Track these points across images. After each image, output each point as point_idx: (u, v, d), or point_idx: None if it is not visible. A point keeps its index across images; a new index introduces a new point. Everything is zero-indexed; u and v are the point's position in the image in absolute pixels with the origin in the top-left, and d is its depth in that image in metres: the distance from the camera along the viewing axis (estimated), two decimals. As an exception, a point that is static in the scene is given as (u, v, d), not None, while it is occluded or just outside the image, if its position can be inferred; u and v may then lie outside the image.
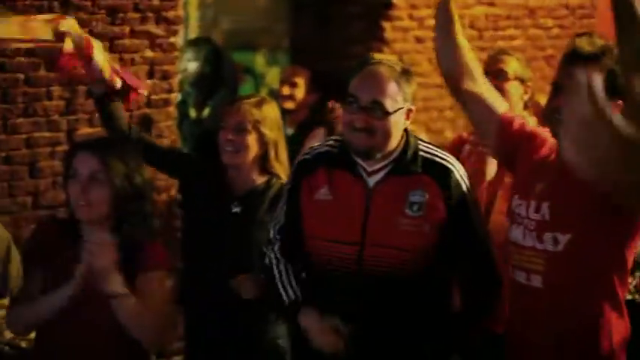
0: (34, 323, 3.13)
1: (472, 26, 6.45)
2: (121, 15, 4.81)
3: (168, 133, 5.00)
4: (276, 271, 3.26)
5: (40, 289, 3.10)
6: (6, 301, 3.80)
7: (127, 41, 4.83)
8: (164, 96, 4.97)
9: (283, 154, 3.90)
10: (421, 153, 3.14)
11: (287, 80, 5.70)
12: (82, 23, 4.62)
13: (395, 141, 3.10)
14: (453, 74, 3.26)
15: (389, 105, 3.04)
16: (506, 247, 3.17)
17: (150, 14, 4.88)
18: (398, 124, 3.08)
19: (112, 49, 4.77)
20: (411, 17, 6.10)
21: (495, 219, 3.91)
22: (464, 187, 3.16)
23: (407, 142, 3.13)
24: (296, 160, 3.30)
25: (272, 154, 3.84)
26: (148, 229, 3.13)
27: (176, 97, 5.05)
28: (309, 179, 3.18)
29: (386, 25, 6.00)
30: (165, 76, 4.95)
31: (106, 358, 3.12)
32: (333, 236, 3.12)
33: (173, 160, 4.04)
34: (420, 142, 3.18)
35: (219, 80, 6.28)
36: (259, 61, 6.97)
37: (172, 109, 5.03)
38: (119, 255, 2.99)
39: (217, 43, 6.65)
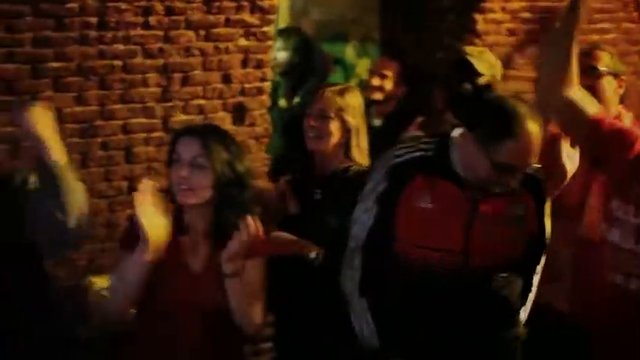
0: (125, 297, 3.13)
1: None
2: (216, 4, 4.84)
3: (261, 122, 5.04)
4: (353, 306, 3.31)
5: None
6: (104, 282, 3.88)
7: (221, 30, 4.87)
8: (257, 84, 5.00)
9: (364, 142, 3.94)
10: None
11: (377, 71, 5.69)
12: (179, 12, 4.72)
13: None
14: (552, 81, 3.21)
15: None
16: (601, 246, 3.15)
17: (245, 3, 4.91)
18: None
19: (207, 37, 4.84)
20: (503, 10, 6.02)
21: (589, 216, 3.87)
22: (546, 196, 3.19)
23: None
24: (387, 160, 3.30)
25: (354, 141, 3.88)
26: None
27: (269, 85, 5.07)
28: (407, 186, 3.18)
29: (478, 17, 5.93)
30: (259, 65, 4.98)
31: (206, 345, 3.17)
32: (433, 244, 3.15)
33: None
34: None
35: (309, 70, 6.30)
36: (349, 52, 7.00)
37: (266, 98, 5.06)
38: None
39: (307, 33, 6.67)
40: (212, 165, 3.08)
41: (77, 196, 3.01)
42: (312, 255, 3.76)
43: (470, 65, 4.19)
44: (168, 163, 3.18)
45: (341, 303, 3.41)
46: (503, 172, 3.03)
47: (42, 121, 3.00)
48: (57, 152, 3.02)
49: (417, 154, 3.24)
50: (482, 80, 4.18)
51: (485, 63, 4.25)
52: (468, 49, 4.34)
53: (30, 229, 3.07)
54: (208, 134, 3.16)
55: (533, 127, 3.01)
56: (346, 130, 3.85)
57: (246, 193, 3.14)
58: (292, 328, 4.06)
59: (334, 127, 3.84)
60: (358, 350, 3.43)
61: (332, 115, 3.83)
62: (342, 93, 3.87)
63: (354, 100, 3.89)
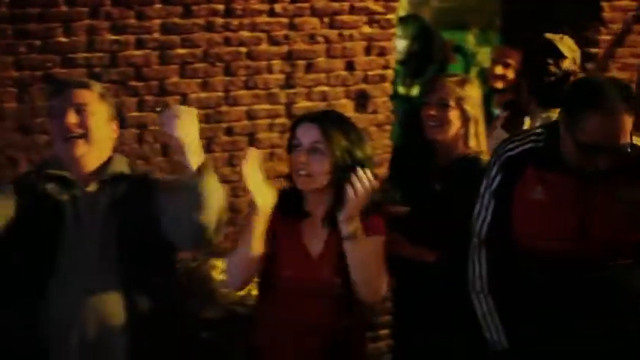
0: (242, 268, 3.18)
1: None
2: (341, -9, 4.88)
3: (383, 109, 5.03)
4: (480, 306, 3.28)
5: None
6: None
7: (345, 17, 4.89)
8: (380, 72, 5.00)
9: (483, 133, 3.91)
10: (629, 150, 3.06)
11: (500, 60, 5.64)
12: (303, -1, 4.77)
13: None
14: None
15: None
16: None
17: (369, -10, 4.93)
18: None
19: (331, 25, 4.86)
20: (631, -4, 5.90)
21: None
22: None
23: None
24: (500, 153, 3.27)
25: (472, 130, 3.85)
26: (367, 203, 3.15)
27: (392, 73, 5.07)
28: (519, 178, 3.16)
29: (604, 4, 5.81)
30: (382, 53, 4.97)
31: (327, 325, 3.20)
32: (550, 235, 3.11)
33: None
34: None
35: (428, 58, 6.28)
36: (470, 40, 6.94)
37: (388, 85, 5.05)
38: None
39: (426, 21, 6.64)
40: (330, 151, 3.10)
41: (217, 197, 3.05)
42: (431, 259, 3.79)
43: (555, 47, 4.16)
44: (288, 149, 3.22)
45: (461, 300, 3.43)
46: (589, 152, 2.97)
47: (185, 124, 3.04)
48: (197, 156, 3.05)
49: (528, 145, 3.21)
50: (565, 63, 4.16)
51: (567, 47, 4.22)
52: (549, 34, 4.31)
53: (166, 227, 3.13)
54: (328, 120, 3.19)
55: (619, 104, 2.94)
56: (465, 120, 3.84)
57: None
58: (411, 320, 4.06)
59: (454, 116, 3.83)
60: (474, 349, 3.46)
61: (452, 104, 3.82)
62: (461, 83, 3.86)
63: (473, 91, 3.88)
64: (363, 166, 3.08)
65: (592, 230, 3.07)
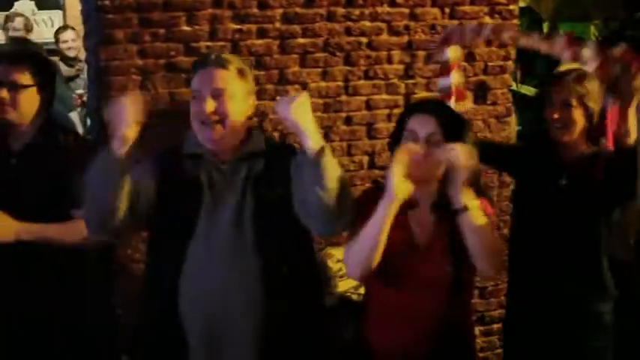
0: (366, 256, 3.17)
1: None
2: (463, -19, 4.84)
3: (503, 101, 4.97)
4: None
5: None
6: (340, 254, 3.96)
7: (467, 7, 4.84)
8: (500, 63, 4.94)
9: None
10: None
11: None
12: (424, -10, 4.74)
13: None
14: None
15: None
16: None
17: (492, -20, 4.89)
18: None
19: (452, 15, 4.83)
20: None
21: None
22: None
23: None
24: None
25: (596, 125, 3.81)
26: (475, 188, 3.17)
27: (512, 65, 5.01)
28: None
29: None
30: (503, 44, 4.92)
31: (440, 314, 3.22)
32: None
33: (506, 158, 4.12)
34: None
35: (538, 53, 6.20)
36: (592, 32, 6.81)
37: (508, 77, 4.99)
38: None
39: (538, 13, 6.57)
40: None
41: (337, 178, 3.07)
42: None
43: None
44: (394, 137, 3.25)
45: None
46: None
47: (302, 108, 3.07)
48: (316, 139, 3.08)
49: None
50: None
51: None
52: None
53: (297, 209, 3.17)
54: (441, 111, 3.23)
55: None
56: (589, 116, 3.79)
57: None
58: (523, 316, 4.02)
59: (577, 114, 3.79)
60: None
61: (574, 103, 3.79)
62: (580, 80, 3.81)
63: (592, 85, 3.82)
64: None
65: None
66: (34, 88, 3.76)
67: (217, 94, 3.20)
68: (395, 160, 3.09)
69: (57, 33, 8.36)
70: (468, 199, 3.09)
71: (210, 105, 3.19)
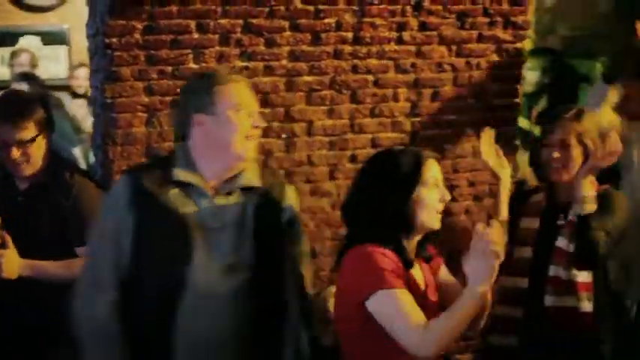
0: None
1: None
2: (470, 20, 4.83)
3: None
4: None
5: None
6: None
7: (473, 45, 4.85)
8: (507, 101, 4.95)
9: None
10: None
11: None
12: (432, 27, 4.74)
13: None
14: None
15: None
16: None
17: (499, 19, 4.87)
18: None
19: (458, 53, 4.83)
20: None
21: None
22: None
23: None
24: None
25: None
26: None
27: (519, 102, 5.00)
28: None
29: None
30: (510, 82, 4.93)
31: None
32: None
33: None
34: None
35: (560, 92, 6.22)
36: (598, 68, 6.80)
37: (514, 114, 5.00)
38: None
39: (558, 53, 6.56)
40: None
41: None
42: None
43: None
44: (408, 182, 3.10)
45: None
46: None
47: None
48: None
49: None
50: None
51: None
52: None
53: None
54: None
55: None
56: (587, 155, 3.78)
57: None
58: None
59: (576, 153, 3.78)
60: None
61: (573, 142, 3.78)
62: (578, 117, 3.81)
63: (590, 123, 3.82)
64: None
65: None
66: (40, 136, 3.77)
67: None
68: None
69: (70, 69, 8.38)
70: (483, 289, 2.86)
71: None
